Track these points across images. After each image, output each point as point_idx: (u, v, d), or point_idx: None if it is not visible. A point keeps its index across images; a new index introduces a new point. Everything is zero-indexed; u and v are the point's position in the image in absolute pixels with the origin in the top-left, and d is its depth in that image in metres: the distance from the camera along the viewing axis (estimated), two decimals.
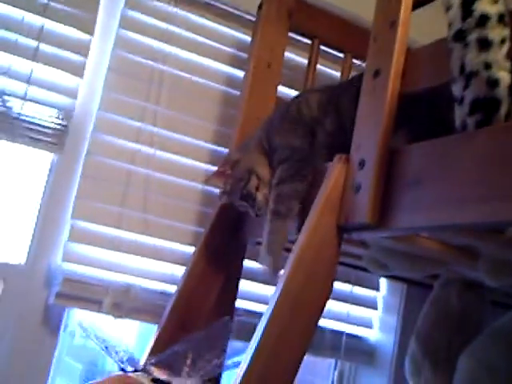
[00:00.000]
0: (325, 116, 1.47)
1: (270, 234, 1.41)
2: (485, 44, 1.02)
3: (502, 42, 1.02)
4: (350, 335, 2.13)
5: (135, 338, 2.16)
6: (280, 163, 1.47)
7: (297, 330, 1.23)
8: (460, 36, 1.05)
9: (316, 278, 1.25)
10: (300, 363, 1.22)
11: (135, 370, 1.34)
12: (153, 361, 1.36)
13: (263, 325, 1.21)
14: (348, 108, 1.38)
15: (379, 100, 1.26)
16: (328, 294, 1.26)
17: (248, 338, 1.22)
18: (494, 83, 1.02)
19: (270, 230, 1.41)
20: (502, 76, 1.03)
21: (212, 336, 1.41)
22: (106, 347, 1.37)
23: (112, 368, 1.64)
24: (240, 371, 1.18)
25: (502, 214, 0.99)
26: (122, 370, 1.36)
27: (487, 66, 1.02)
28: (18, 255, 1.81)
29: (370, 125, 1.27)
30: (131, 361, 1.37)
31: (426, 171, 1.14)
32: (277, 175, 1.45)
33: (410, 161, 1.19)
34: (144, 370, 1.33)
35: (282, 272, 1.29)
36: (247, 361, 1.18)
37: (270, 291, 1.64)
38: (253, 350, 1.19)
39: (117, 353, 1.37)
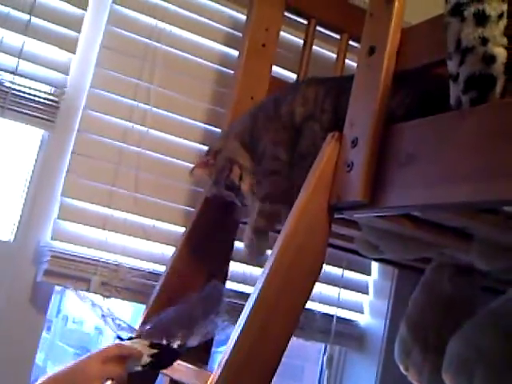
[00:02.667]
0: (322, 113, 1.42)
1: (245, 247, 1.47)
2: (482, 18, 1.00)
3: (500, 17, 1.00)
4: (340, 319, 2.12)
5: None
6: (266, 175, 1.46)
7: (284, 309, 1.22)
8: (457, 10, 1.03)
9: (306, 257, 1.24)
10: (287, 344, 1.21)
11: (131, 338, 1.33)
12: (148, 327, 1.36)
13: (251, 304, 1.20)
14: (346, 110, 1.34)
15: (374, 77, 1.24)
16: (317, 273, 1.25)
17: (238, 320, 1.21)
18: (490, 59, 1.00)
19: (246, 244, 1.47)
20: (499, 52, 1.01)
21: (205, 299, 1.41)
22: (103, 315, 1.37)
23: None
24: (227, 349, 1.17)
25: (495, 192, 0.98)
26: (119, 337, 1.35)
27: (484, 41, 1.00)
28: (6, 232, 1.78)
29: (364, 103, 1.25)
30: (127, 328, 1.37)
31: (420, 149, 1.13)
32: (263, 189, 1.45)
33: (404, 139, 1.18)
34: (140, 336, 1.33)
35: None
36: (234, 340, 1.17)
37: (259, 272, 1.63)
38: (240, 329, 1.18)
39: (113, 320, 1.37)
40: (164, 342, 1.31)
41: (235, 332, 1.18)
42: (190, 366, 1.32)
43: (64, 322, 6.73)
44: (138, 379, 1.44)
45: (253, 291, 1.24)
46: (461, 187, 1.03)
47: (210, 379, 1.15)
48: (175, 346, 1.31)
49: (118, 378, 1.23)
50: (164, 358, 1.31)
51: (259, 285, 1.22)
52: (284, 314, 1.22)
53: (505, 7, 1.01)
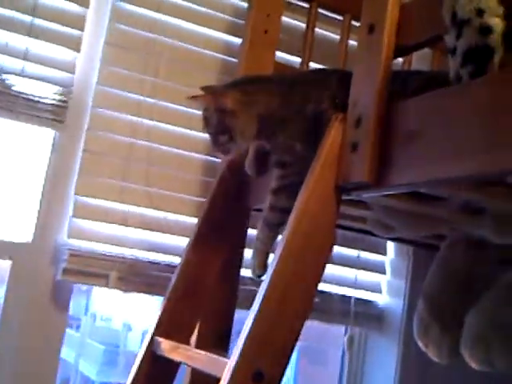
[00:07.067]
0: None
1: (258, 240, 1.48)
2: None
3: None
4: (358, 300, 2.13)
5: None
6: (279, 166, 1.45)
7: (298, 292, 1.22)
8: None
9: (315, 239, 1.25)
10: (301, 327, 1.22)
11: None
12: None
13: (264, 289, 1.20)
14: None
15: (375, 55, 1.24)
16: (328, 254, 1.25)
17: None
18: (486, 30, 1.00)
19: (259, 237, 1.48)
20: (495, 23, 1.00)
21: None
22: None
23: (134, 348, 1.64)
24: (242, 335, 1.18)
25: (501, 163, 0.97)
26: None
27: (479, 12, 1.00)
28: (24, 234, 1.81)
29: (366, 81, 1.25)
30: None
31: (423, 125, 1.13)
32: (274, 181, 1.45)
33: (407, 116, 1.17)
34: None
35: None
36: (249, 325, 1.18)
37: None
38: (254, 314, 1.19)
39: None
40: None
41: (249, 318, 1.19)
42: (209, 354, 1.33)
43: (92, 320, 6.82)
44: (161, 368, 1.48)
45: (266, 275, 1.25)
46: (464, 161, 1.03)
47: (228, 366, 1.16)
48: None
49: None
50: None
51: (271, 269, 1.23)
52: (298, 297, 1.22)
53: None
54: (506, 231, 1.40)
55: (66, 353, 6.38)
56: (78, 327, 6.67)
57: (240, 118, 1.46)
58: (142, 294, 1.86)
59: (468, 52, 1.02)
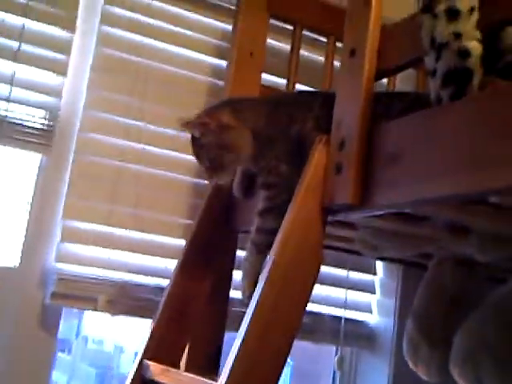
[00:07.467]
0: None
1: (246, 261, 1.47)
2: (453, 14, 1.02)
3: (471, 11, 1.02)
4: (349, 320, 2.13)
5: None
6: (265, 187, 1.46)
7: (285, 313, 1.23)
8: (429, 7, 1.04)
9: (302, 260, 1.26)
10: (290, 347, 1.22)
11: None
12: None
13: (251, 310, 1.21)
14: None
15: (356, 79, 1.26)
16: (315, 275, 1.26)
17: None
18: (464, 53, 1.02)
19: (248, 260, 1.47)
20: (473, 46, 1.02)
21: None
22: None
23: (126, 371, 1.63)
24: (230, 358, 1.18)
25: (480, 182, 0.99)
26: None
27: (457, 36, 1.02)
28: (11, 258, 1.81)
29: (349, 104, 1.27)
30: None
31: (406, 146, 1.14)
32: (261, 202, 1.45)
33: (390, 137, 1.19)
34: None
35: None
36: (236, 348, 1.18)
37: None
38: (242, 336, 1.19)
39: None
40: None
41: (238, 339, 1.19)
42: (197, 377, 1.33)
43: (84, 343, 6.76)
44: None
45: (253, 297, 1.25)
46: (446, 181, 1.04)
47: None
48: None
49: None
50: None
51: (258, 291, 1.23)
52: (285, 318, 1.23)
53: (475, 1, 1.02)
54: (491, 249, 1.41)
55: (58, 376, 6.33)
56: (69, 351, 6.61)
57: (237, 132, 1.48)
58: (131, 317, 1.86)
59: (447, 74, 1.04)
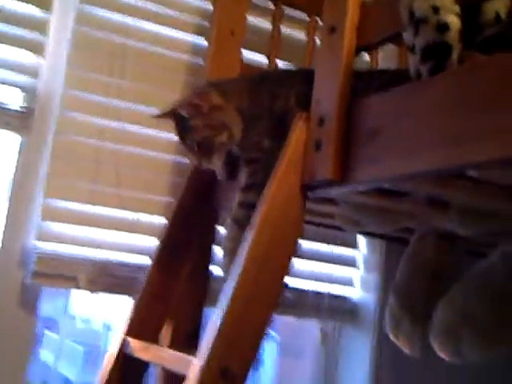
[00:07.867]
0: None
1: (227, 239, 1.47)
2: None
3: None
4: (332, 295, 2.14)
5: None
6: (247, 163, 1.46)
7: (266, 288, 1.24)
8: None
9: (281, 237, 1.27)
10: (268, 323, 1.23)
11: None
12: None
13: (231, 286, 1.21)
14: None
15: (336, 56, 1.26)
16: (293, 251, 1.27)
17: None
18: (443, 27, 1.02)
19: (228, 235, 1.47)
20: (452, 20, 1.02)
21: None
22: None
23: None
24: (209, 332, 1.19)
25: (458, 157, 0.99)
26: None
27: (435, 10, 1.02)
28: None
29: (328, 81, 1.27)
30: None
31: (385, 122, 1.15)
32: (244, 179, 1.46)
33: (369, 113, 1.19)
34: None
35: None
36: (216, 323, 1.19)
37: None
38: (222, 311, 1.20)
39: None
40: None
41: (217, 315, 1.20)
42: (176, 353, 1.34)
43: (72, 322, 6.77)
44: (130, 368, 1.48)
45: (232, 273, 1.26)
46: (425, 156, 1.05)
47: (195, 363, 1.17)
48: None
49: None
50: None
51: (238, 265, 1.24)
52: (264, 294, 1.24)
53: None
54: (471, 224, 1.42)
55: (45, 355, 6.33)
56: (57, 330, 6.62)
57: (226, 112, 1.48)
58: (113, 295, 1.86)
59: (426, 49, 1.04)
